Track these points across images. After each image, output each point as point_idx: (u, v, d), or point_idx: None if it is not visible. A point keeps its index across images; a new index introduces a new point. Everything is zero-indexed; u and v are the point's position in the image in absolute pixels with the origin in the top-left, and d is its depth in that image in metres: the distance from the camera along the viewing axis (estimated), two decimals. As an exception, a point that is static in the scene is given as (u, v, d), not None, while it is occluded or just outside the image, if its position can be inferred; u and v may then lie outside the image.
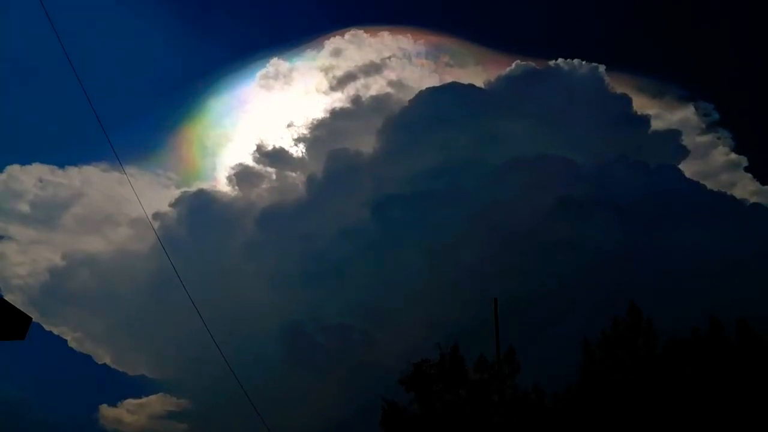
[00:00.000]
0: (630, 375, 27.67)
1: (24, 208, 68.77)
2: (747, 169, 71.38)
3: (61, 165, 74.87)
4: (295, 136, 76.44)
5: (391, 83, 73.11)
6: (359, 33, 75.48)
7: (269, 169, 71.31)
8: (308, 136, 70.47)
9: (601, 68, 66.78)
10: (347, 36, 75.52)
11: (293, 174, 70.13)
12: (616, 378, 27.82)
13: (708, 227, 52.10)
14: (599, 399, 27.47)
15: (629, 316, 29.18)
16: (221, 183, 71.81)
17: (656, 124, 68.92)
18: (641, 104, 79.97)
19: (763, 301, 31.63)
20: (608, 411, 26.80)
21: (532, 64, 67.96)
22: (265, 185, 69.78)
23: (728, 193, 63.84)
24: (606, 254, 48.32)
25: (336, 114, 70.97)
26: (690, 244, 49.43)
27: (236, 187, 69.18)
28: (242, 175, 70.54)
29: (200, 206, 64.95)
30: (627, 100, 66.10)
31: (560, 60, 68.33)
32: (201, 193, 68.38)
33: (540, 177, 57.05)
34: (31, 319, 9.81)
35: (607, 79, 66.79)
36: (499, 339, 29.17)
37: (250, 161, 72.58)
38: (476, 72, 76.14)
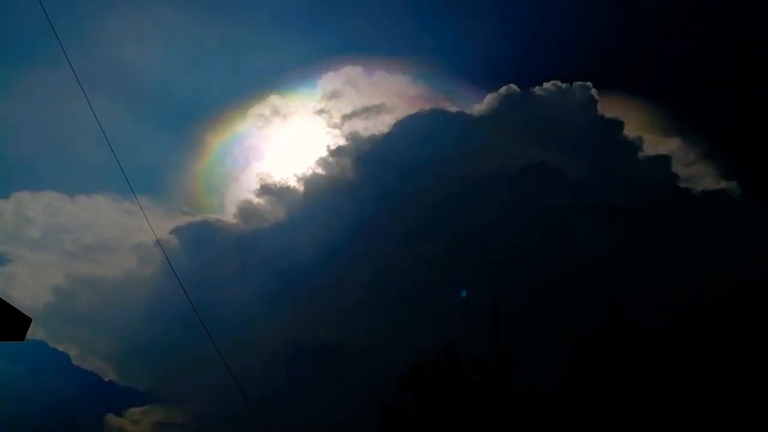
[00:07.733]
0: (614, 376, 27.94)
1: (33, 233, 69.58)
2: (740, 196, 71.17)
3: (71, 193, 76.61)
4: (297, 173, 79.41)
5: (390, 127, 75.02)
6: (355, 71, 76.88)
7: (272, 206, 73.43)
8: (307, 173, 72.57)
9: (593, 91, 66.27)
10: (342, 73, 77.07)
11: (294, 207, 72.41)
12: (600, 379, 28.21)
13: (702, 230, 52.65)
14: (586, 401, 27.85)
15: (609, 315, 29.46)
16: (228, 216, 73.95)
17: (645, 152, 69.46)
18: (631, 130, 80.00)
19: (756, 306, 31.80)
20: (596, 413, 27.18)
21: (514, 87, 67.45)
22: (268, 219, 71.89)
23: (723, 189, 64.45)
24: (599, 259, 48.73)
25: (335, 152, 73.06)
26: (685, 247, 49.85)
27: (240, 220, 71.36)
28: (246, 210, 72.14)
29: (203, 235, 66.81)
30: (618, 124, 65.82)
31: (546, 84, 67.77)
32: (204, 224, 69.92)
33: (528, 186, 58.17)
34: (31, 320, 9.98)
35: (599, 104, 66.74)
36: (498, 339, 29.59)
37: (253, 197, 74.27)
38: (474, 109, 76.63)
